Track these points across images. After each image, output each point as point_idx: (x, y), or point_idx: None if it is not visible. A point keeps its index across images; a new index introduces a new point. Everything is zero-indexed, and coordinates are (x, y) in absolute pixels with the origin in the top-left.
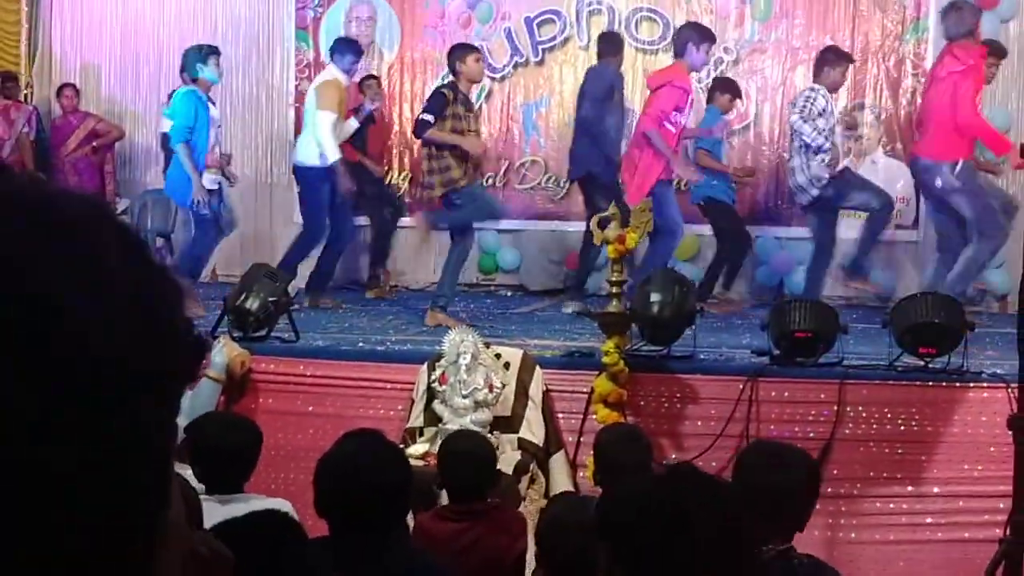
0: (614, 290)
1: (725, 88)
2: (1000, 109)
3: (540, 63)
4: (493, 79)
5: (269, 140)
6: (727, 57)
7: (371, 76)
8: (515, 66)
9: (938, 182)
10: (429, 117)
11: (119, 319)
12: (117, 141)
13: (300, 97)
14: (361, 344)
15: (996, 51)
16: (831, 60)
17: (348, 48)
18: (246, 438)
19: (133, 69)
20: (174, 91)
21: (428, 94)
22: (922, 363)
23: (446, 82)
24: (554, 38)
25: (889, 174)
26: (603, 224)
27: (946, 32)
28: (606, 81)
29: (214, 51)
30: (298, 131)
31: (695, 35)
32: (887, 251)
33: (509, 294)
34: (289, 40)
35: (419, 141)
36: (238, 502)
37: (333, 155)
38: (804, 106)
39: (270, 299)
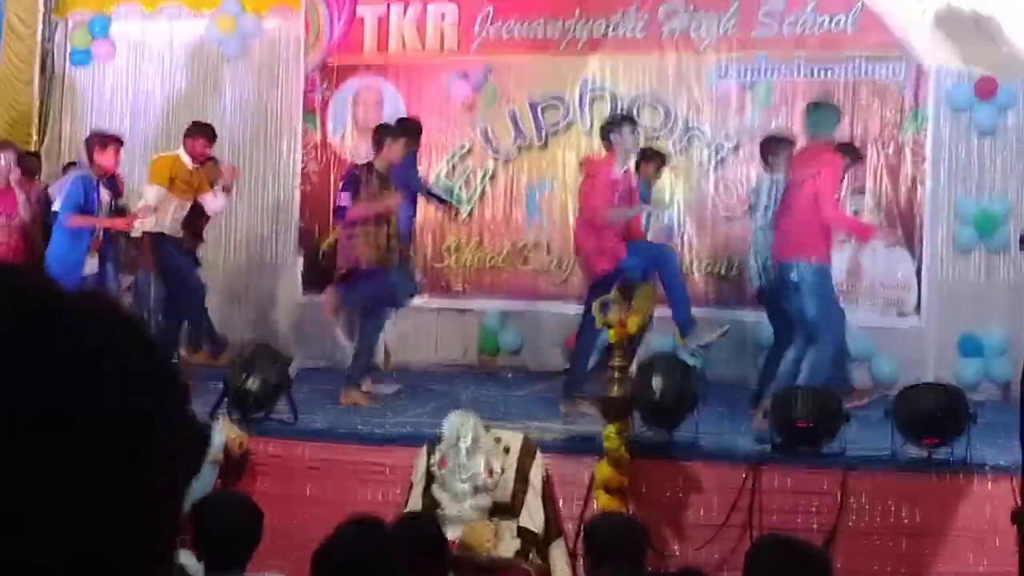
0: (616, 375)
1: (649, 158)
2: (1000, 195)
3: (543, 147)
4: (496, 160)
5: (274, 220)
6: (727, 144)
7: (211, 158)
8: (519, 149)
9: (793, 275)
10: (346, 201)
11: (128, 419)
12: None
13: (307, 178)
14: (360, 426)
15: (851, 154)
16: (773, 149)
17: (200, 132)
18: (248, 517)
19: (141, 149)
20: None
21: (432, 181)
22: (925, 454)
23: (360, 163)
24: (557, 123)
25: (890, 261)
26: (604, 308)
27: (807, 130)
28: (408, 160)
29: (115, 139)
30: (304, 212)
31: (617, 125)
32: (888, 338)
33: (511, 376)
34: (297, 122)
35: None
36: None
37: (146, 226)
38: (757, 200)
39: (272, 381)
